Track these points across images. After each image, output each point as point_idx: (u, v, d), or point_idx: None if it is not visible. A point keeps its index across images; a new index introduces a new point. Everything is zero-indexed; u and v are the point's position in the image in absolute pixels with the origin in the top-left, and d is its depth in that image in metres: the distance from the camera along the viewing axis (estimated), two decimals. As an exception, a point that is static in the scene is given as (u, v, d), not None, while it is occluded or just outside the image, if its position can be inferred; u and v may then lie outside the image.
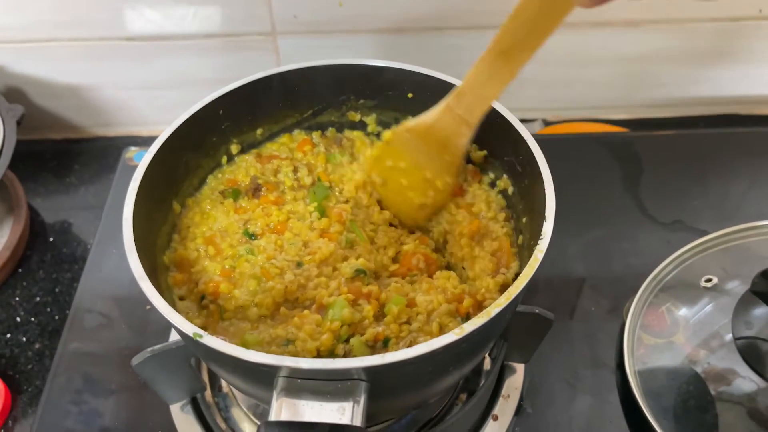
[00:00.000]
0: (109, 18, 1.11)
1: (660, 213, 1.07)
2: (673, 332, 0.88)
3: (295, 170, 0.82)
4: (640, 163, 1.15)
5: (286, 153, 0.85)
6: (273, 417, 0.52)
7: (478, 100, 0.67)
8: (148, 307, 0.92)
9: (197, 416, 0.81)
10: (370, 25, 1.12)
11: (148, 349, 0.67)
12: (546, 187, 0.64)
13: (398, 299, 0.68)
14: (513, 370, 0.86)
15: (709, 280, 0.90)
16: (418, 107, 0.81)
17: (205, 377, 0.84)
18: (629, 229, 1.05)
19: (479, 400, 0.79)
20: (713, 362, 0.84)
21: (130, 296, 0.95)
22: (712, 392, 0.81)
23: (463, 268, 0.74)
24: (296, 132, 0.86)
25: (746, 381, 0.81)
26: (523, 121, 0.72)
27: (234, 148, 0.82)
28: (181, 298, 0.71)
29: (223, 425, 0.81)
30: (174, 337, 0.87)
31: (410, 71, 0.78)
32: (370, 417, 0.55)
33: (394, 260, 0.77)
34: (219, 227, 0.76)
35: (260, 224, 0.76)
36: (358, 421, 0.52)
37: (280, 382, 0.53)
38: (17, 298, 1.03)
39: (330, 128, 0.87)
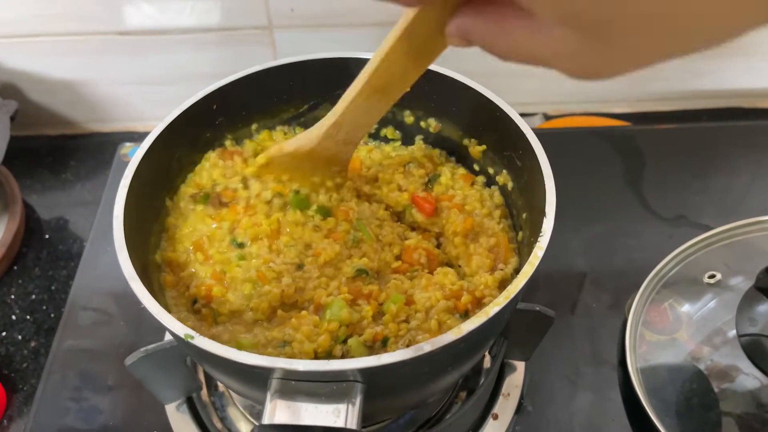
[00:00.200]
0: (104, 11, 1.10)
1: (662, 208, 1.06)
2: (675, 329, 0.87)
3: (245, 183, 0.77)
4: (641, 157, 1.14)
5: (252, 149, 0.82)
6: (267, 419, 0.51)
7: (357, 128, 0.68)
8: (143, 305, 0.91)
9: (193, 416, 0.80)
10: (368, 19, 1.11)
11: (142, 349, 0.66)
12: (546, 183, 0.63)
13: (397, 297, 0.66)
14: (513, 368, 0.85)
15: (712, 276, 0.89)
16: (414, 101, 0.80)
17: (201, 377, 0.83)
18: (631, 224, 1.04)
19: (479, 398, 0.79)
20: (716, 359, 0.83)
21: (125, 293, 0.92)
22: (716, 389, 0.80)
23: (459, 266, 0.73)
24: (278, 129, 0.85)
25: (750, 378, 0.80)
26: (523, 115, 0.71)
27: (229, 144, 0.81)
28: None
29: (219, 425, 0.80)
30: (169, 335, 0.85)
31: (407, 65, 0.77)
32: (366, 417, 0.54)
33: (397, 258, 0.75)
34: (205, 232, 0.73)
35: (249, 234, 0.72)
36: (353, 424, 0.51)
37: (274, 383, 0.52)
38: (12, 296, 1.02)
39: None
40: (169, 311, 0.56)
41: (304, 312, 0.66)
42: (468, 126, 0.79)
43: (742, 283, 0.87)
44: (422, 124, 0.83)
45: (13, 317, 0.99)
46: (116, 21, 1.11)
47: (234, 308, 0.67)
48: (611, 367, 0.88)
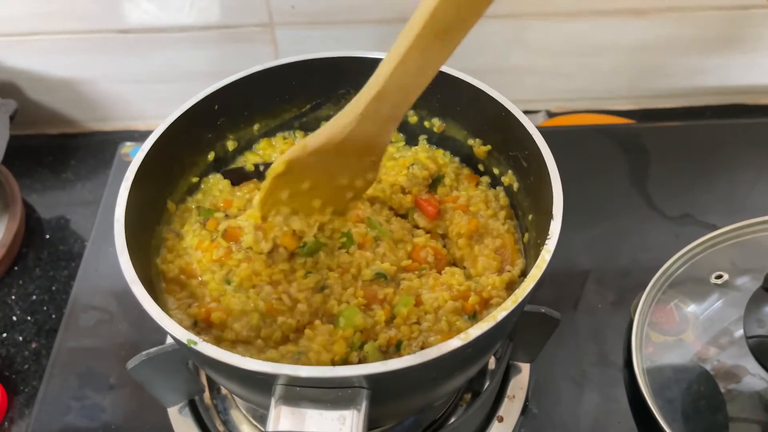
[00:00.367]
0: (103, 9, 1.09)
1: (668, 207, 1.05)
2: (682, 329, 0.86)
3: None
4: (646, 155, 1.14)
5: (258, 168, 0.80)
6: (271, 426, 0.50)
7: (405, 95, 0.58)
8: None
9: (195, 419, 0.79)
10: (370, 16, 1.10)
11: (143, 353, 0.65)
12: (553, 185, 0.62)
13: (406, 300, 0.66)
14: (518, 370, 0.84)
15: (719, 277, 0.88)
16: (418, 100, 0.78)
17: (203, 380, 0.82)
18: (636, 224, 1.03)
19: (484, 401, 0.78)
20: (723, 360, 0.82)
21: (127, 293, 0.91)
22: (722, 390, 0.80)
23: (464, 267, 0.72)
24: (278, 135, 0.84)
25: (757, 379, 0.80)
26: (526, 112, 0.70)
27: (230, 145, 0.80)
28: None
29: (221, 428, 0.79)
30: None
31: (411, 63, 0.76)
32: (371, 422, 0.53)
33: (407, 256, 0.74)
34: (197, 259, 0.69)
35: (245, 284, 0.66)
36: (359, 431, 0.50)
37: (278, 389, 0.51)
38: (13, 297, 1.01)
39: (323, 122, 0.83)
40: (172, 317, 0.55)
41: (317, 322, 0.65)
42: (473, 126, 0.79)
43: (749, 283, 0.86)
44: (426, 124, 0.82)
45: (14, 318, 0.98)
46: (116, 19, 1.10)
47: (240, 338, 0.63)
48: (617, 368, 0.87)
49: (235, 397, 0.82)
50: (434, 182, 0.79)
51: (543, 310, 0.69)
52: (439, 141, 0.83)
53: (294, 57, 0.76)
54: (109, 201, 1.07)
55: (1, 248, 1.01)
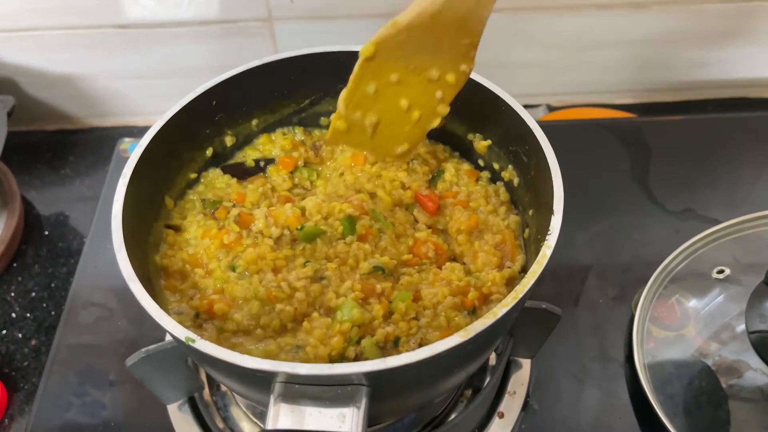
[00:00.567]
0: (102, 5, 1.09)
1: (669, 201, 1.05)
2: (683, 324, 0.86)
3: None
4: (647, 150, 1.13)
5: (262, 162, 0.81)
6: (270, 425, 0.50)
7: None
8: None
9: (195, 416, 0.79)
10: (370, 10, 1.10)
11: (143, 350, 0.65)
12: (554, 180, 0.62)
13: (403, 295, 0.66)
14: (519, 366, 0.84)
15: (720, 271, 0.88)
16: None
17: (203, 377, 0.82)
18: (637, 218, 1.03)
19: (485, 397, 0.78)
20: (725, 355, 0.82)
21: (126, 290, 0.92)
22: (724, 386, 0.80)
23: (464, 263, 0.72)
24: (277, 131, 0.83)
25: (758, 374, 0.80)
26: (526, 106, 0.69)
27: (229, 140, 0.80)
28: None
29: (221, 425, 0.79)
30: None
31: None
32: (370, 419, 0.53)
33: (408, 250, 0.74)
34: (204, 247, 0.71)
35: (250, 269, 0.68)
36: (358, 429, 0.50)
37: (278, 387, 0.51)
38: (12, 294, 1.01)
39: (323, 118, 0.85)
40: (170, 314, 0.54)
41: (315, 314, 0.65)
42: (473, 120, 0.78)
43: (751, 278, 0.85)
44: (426, 118, 0.81)
45: (13, 315, 0.98)
46: (115, 14, 1.10)
47: (241, 328, 0.64)
48: (618, 364, 0.87)
49: (234, 394, 0.82)
50: (434, 177, 0.79)
51: (544, 306, 0.68)
52: (438, 136, 0.82)
53: (292, 51, 0.76)
54: (108, 197, 1.06)
55: (0, 245, 1.00)
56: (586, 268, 0.97)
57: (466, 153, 0.82)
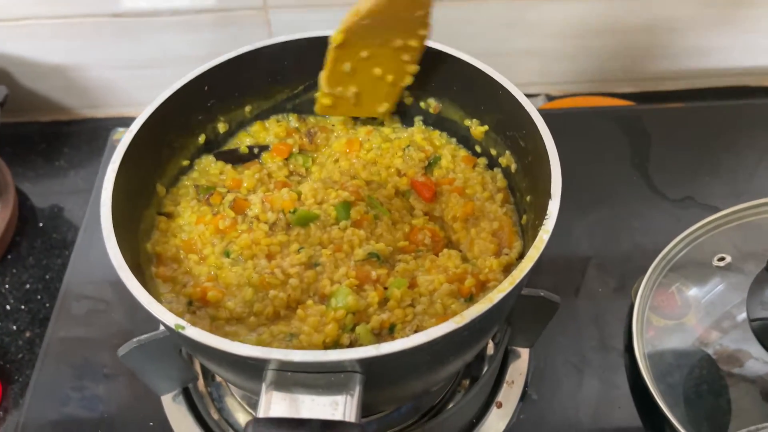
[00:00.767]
0: (94, -7, 1.07)
1: (669, 189, 1.04)
2: (683, 313, 0.85)
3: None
4: (647, 138, 1.12)
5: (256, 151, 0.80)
6: (262, 413, 0.49)
7: None
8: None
9: (189, 407, 0.78)
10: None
11: (134, 339, 0.64)
12: (551, 164, 0.61)
13: (399, 281, 0.65)
14: (517, 355, 0.84)
15: (721, 259, 0.87)
16: (414, 80, 0.77)
17: (197, 367, 0.81)
18: (637, 207, 1.02)
19: (482, 386, 0.77)
20: (726, 344, 0.81)
21: (119, 281, 0.92)
22: (725, 374, 0.79)
23: (460, 251, 0.71)
24: (271, 118, 0.83)
25: (760, 363, 0.79)
26: (525, 96, 0.68)
27: (221, 127, 0.79)
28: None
29: (216, 416, 0.78)
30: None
31: (406, 42, 0.74)
32: (366, 408, 0.52)
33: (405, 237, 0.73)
34: (198, 233, 0.70)
35: (245, 254, 0.68)
36: (352, 416, 0.49)
37: (270, 375, 0.50)
38: (7, 286, 1.00)
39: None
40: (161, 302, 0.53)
41: (309, 302, 0.64)
42: (469, 106, 0.77)
43: (752, 265, 0.84)
44: (421, 104, 0.81)
45: (8, 307, 0.97)
46: (108, 2, 1.08)
47: (234, 315, 0.64)
48: (618, 353, 0.86)
49: (229, 384, 0.81)
50: (430, 164, 0.78)
51: (542, 294, 0.67)
52: (435, 122, 0.82)
53: (285, 36, 0.75)
54: (100, 189, 1.05)
55: (-6, 237, 1.00)
56: (586, 257, 0.96)
57: (463, 139, 0.81)
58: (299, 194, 0.72)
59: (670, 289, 0.87)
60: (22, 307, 0.98)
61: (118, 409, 0.82)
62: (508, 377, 0.82)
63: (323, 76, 0.74)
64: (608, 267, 0.95)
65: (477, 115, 0.77)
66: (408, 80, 0.76)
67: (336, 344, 0.61)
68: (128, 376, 0.83)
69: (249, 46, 0.74)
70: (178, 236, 0.71)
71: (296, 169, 0.80)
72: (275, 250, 0.68)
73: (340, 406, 0.49)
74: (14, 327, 0.95)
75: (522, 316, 0.74)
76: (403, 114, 0.83)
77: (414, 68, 0.75)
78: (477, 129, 0.77)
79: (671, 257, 0.89)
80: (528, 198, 0.70)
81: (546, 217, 0.58)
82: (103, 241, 0.56)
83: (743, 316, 0.80)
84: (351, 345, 0.61)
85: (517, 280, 0.53)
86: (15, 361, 0.91)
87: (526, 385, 0.82)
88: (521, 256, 0.69)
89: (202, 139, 0.77)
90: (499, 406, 0.80)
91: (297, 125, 0.82)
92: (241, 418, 0.79)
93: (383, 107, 0.79)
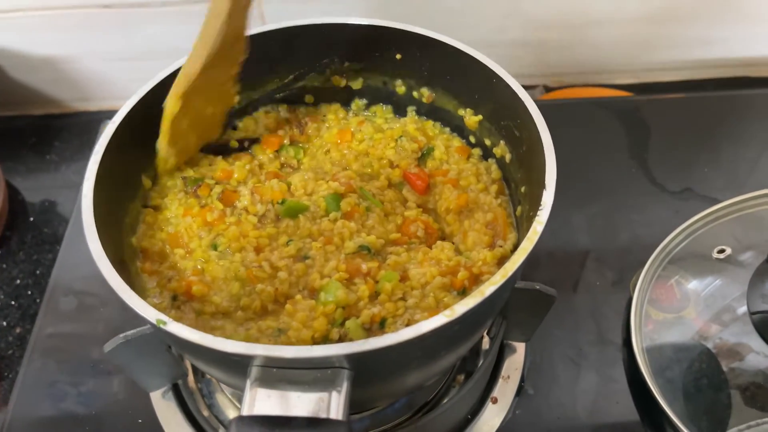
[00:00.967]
0: (85, -17, 1.06)
1: (668, 181, 1.03)
2: (682, 306, 0.84)
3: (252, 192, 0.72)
4: (646, 129, 1.11)
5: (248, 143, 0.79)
6: (246, 410, 0.47)
7: None
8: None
9: (179, 403, 0.77)
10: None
11: (121, 335, 0.63)
12: (546, 153, 0.60)
13: (390, 275, 0.64)
14: (513, 350, 0.83)
15: (721, 251, 0.86)
16: (407, 69, 0.77)
17: (187, 363, 0.80)
18: (636, 199, 1.01)
19: (477, 381, 0.76)
20: (725, 337, 0.80)
21: None
22: (725, 369, 0.78)
23: (453, 243, 0.70)
24: (260, 110, 0.81)
25: (760, 356, 0.78)
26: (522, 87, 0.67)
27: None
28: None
29: (206, 412, 0.77)
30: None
31: (399, 30, 0.73)
32: (357, 404, 0.51)
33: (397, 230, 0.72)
34: (185, 225, 0.69)
35: (233, 247, 0.67)
36: (339, 414, 0.47)
37: (254, 371, 0.49)
38: (-4, 281, 0.99)
39: (308, 95, 0.82)
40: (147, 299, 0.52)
41: (298, 296, 0.63)
42: (463, 95, 0.76)
43: (752, 257, 0.83)
44: (414, 94, 0.80)
45: (-3, 303, 0.96)
46: (97, -7, 1.07)
47: (221, 310, 0.63)
48: (616, 347, 0.85)
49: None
50: (424, 155, 0.77)
51: (537, 287, 0.66)
52: (428, 112, 0.81)
53: (274, 24, 0.73)
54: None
55: (-17, 231, 0.99)
56: (584, 250, 0.95)
57: (457, 130, 0.80)
58: (289, 185, 0.71)
59: (669, 282, 0.86)
60: (12, 302, 0.97)
61: (106, 406, 0.81)
62: (503, 372, 0.81)
63: (163, 143, 0.70)
64: (606, 260, 0.94)
65: (471, 105, 0.76)
66: (236, 100, 0.77)
67: (325, 339, 0.60)
68: (117, 372, 0.82)
69: (238, 34, 0.72)
70: (165, 229, 0.70)
71: (288, 161, 0.78)
72: (264, 242, 0.66)
73: (327, 403, 0.48)
74: (4, 323, 0.94)
75: (517, 310, 0.72)
76: (396, 104, 0.82)
77: (236, 89, 0.75)
78: (471, 119, 0.76)
79: (670, 250, 0.88)
80: (523, 189, 0.69)
81: (540, 208, 0.56)
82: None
83: (743, 309, 0.79)
84: (341, 340, 0.60)
85: (510, 273, 0.52)
86: (5, 357, 0.90)
87: (522, 380, 0.81)
88: (516, 248, 0.68)
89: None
90: (495, 401, 0.79)
91: (287, 116, 0.81)
92: (232, 414, 0.78)
93: (218, 131, 0.77)
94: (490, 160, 0.76)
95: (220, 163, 0.76)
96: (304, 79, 0.79)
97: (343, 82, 0.81)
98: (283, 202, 0.68)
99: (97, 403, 0.81)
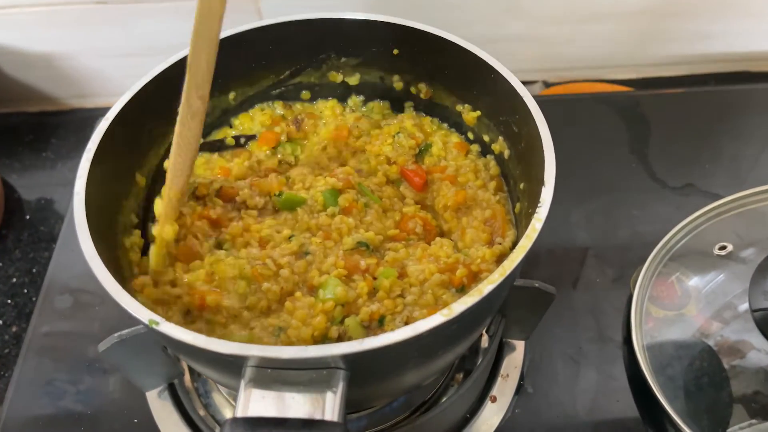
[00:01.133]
0: (80, -21, 1.05)
1: (669, 177, 1.02)
2: (683, 304, 0.83)
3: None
4: (647, 124, 1.10)
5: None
6: (240, 412, 0.47)
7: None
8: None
9: (175, 403, 0.77)
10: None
11: (116, 335, 0.62)
12: (545, 149, 0.59)
13: (388, 271, 0.63)
14: (512, 348, 0.82)
15: (723, 248, 0.85)
16: (404, 64, 0.76)
17: (183, 362, 0.79)
18: (636, 195, 1.01)
19: (476, 380, 0.75)
20: (727, 335, 0.80)
21: None
22: (726, 366, 0.77)
23: (451, 240, 0.69)
24: (256, 107, 0.81)
25: (762, 354, 0.77)
26: (522, 83, 0.66)
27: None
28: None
29: (202, 412, 0.77)
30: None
31: (396, 25, 0.73)
32: (353, 404, 0.50)
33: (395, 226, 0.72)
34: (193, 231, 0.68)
35: (237, 243, 0.66)
36: (335, 415, 0.46)
37: (248, 372, 0.48)
38: (-8, 279, 0.99)
39: (304, 91, 0.82)
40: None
41: (298, 293, 0.62)
42: (461, 90, 0.75)
43: (754, 254, 0.82)
44: (412, 89, 0.79)
45: (-7, 301, 0.96)
46: (93, -12, 1.06)
47: (231, 314, 0.61)
48: (616, 345, 0.85)
49: (215, 379, 0.79)
50: (421, 152, 0.76)
51: (536, 285, 0.65)
52: (426, 108, 0.80)
53: (270, 20, 0.72)
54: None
55: (-21, 230, 0.98)
56: (584, 247, 0.95)
57: (455, 126, 0.79)
58: (288, 178, 0.71)
59: (669, 279, 0.85)
60: (9, 301, 0.96)
61: (102, 405, 0.80)
62: (502, 370, 0.80)
63: (153, 267, 0.65)
64: (607, 256, 0.94)
65: (469, 100, 0.75)
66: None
67: (324, 337, 0.59)
68: (112, 371, 0.82)
69: (231, 29, 0.72)
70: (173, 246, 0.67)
71: (285, 158, 0.78)
72: (266, 234, 0.66)
73: (322, 404, 0.47)
74: (0, 322, 0.94)
75: (516, 308, 0.72)
76: (393, 100, 0.81)
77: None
78: (469, 114, 0.76)
79: (671, 246, 0.87)
80: (522, 185, 0.68)
81: (539, 204, 0.55)
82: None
83: (745, 306, 0.78)
84: (340, 338, 0.59)
85: (508, 271, 0.51)
86: (1, 356, 0.90)
87: (521, 379, 0.81)
88: (515, 245, 0.67)
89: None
90: (494, 400, 0.78)
91: (283, 112, 0.80)
92: (228, 414, 0.77)
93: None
94: (488, 156, 0.76)
95: (218, 161, 0.76)
96: (300, 75, 0.79)
97: (339, 78, 0.80)
98: (280, 195, 0.68)
99: (93, 402, 0.81)
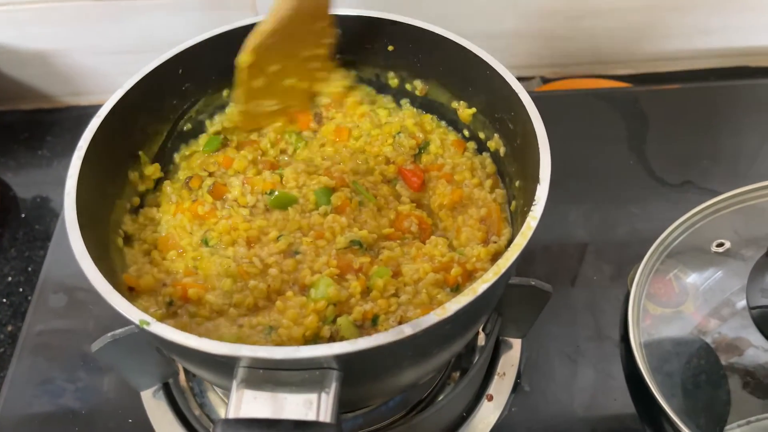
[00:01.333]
0: (74, -24, 1.05)
1: (667, 173, 1.02)
2: (681, 301, 0.83)
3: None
4: (645, 121, 1.10)
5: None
6: (231, 413, 0.46)
7: None
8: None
9: (170, 402, 0.77)
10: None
11: (109, 334, 0.61)
12: (540, 147, 0.59)
13: (382, 271, 0.63)
14: (509, 346, 0.82)
15: (720, 245, 0.85)
16: (400, 61, 0.75)
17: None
18: (634, 192, 1.00)
19: (472, 379, 0.75)
20: (725, 332, 0.80)
21: None
22: (724, 364, 0.77)
23: (446, 238, 0.69)
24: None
25: (760, 351, 0.77)
26: (519, 79, 0.66)
27: (197, 112, 0.76)
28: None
29: (197, 411, 0.76)
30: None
31: (391, 21, 0.73)
32: (348, 404, 0.50)
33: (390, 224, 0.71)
34: (175, 224, 0.69)
35: (224, 240, 0.66)
36: (328, 416, 0.46)
37: (240, 372, 0.48)
38: (-13, 278, 0.98)
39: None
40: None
41: (290, 293, 0.62)
42: (456, 87, 0.75)
43: (752, 251, 0.82)
44: (407, 86, 0.79)
45: (-12, 300, 0.96)
46: (88, -15, 1.06)
47: (215, 309, 0.62)
48: (613, 343, 0.84)
49: (209, 379, 0.79)
50: (420, 151, 0.76)
51: (532, 283, 0.65)
52: (422, 105, 0.80)
53: (262, 16, 0.72)
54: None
55: (-27, 228, 0.98)
56: (581, 244, 0.94)
57: (452, 122, 0.79)
58: (281, 176, 0.70)
59: (667, 276, 0.85)
60: (4, 300, 0.96)
61: (96, 404, 0.80)
62: (499, 369, 0.80)
63: (237, 95, 0.73)
64: (604, 254, 0.93)
65: (465, 97, 0.75)
66: (320, 86, 0.78)
67: (316, 337, 0.59)
68: (107, 371, 0.82)
69: (225, 26, 0.71)
70: (157, 232, 0.69)
71: (286, 148, 0.78)
72: (254, 234, 0.66)
73: (315, 404, 0.47)
74: (-5, 320, 0.93)
75: (513, 306, 0.72)
76: (389, 97, 0.81)
77: (324, 74, 0.77)
78: (465, 111, 0.75)
79: (669, 243, 0.87)
80: (517, 183, 0.68)
81: (534, 202, 0.55)
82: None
83: (743, 303, 0.78)
84: (332, 337, 0.59)
85: (503, 270, 0.51)
86: (-3, 355, 0.90)
87: (518, 377, 0.81)
88: (511, 243, 0.67)
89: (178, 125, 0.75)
90: (490, 398, 0.78)
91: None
92: (223, 413, 0.77)
93: (301, 105, 0.79)
94: (484, 154, 0.75)
95: (228, 150, 0.76)
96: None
97: (333, 75, 0.80)
98: (271, 193, 0.68)
99: (88, 401, 0.80)
